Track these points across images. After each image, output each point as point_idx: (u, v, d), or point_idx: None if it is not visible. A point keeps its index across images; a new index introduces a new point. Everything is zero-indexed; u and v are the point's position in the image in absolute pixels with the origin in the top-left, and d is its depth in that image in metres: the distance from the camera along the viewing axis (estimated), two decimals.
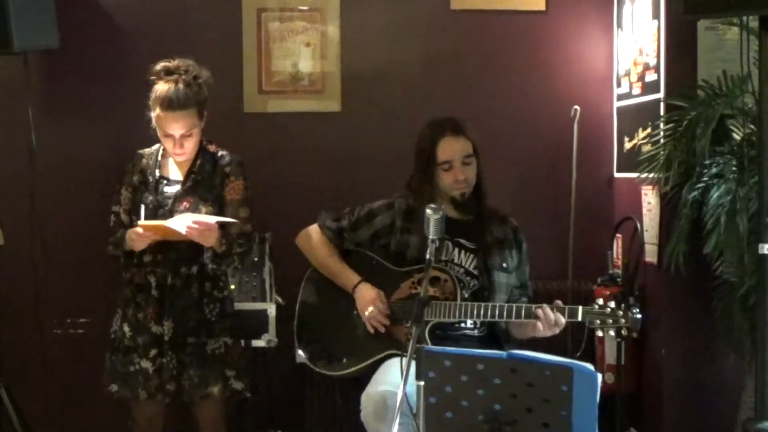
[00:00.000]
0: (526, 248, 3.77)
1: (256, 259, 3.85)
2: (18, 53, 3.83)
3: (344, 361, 3.65)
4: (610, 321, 3.32)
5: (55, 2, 3.98)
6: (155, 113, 3.51)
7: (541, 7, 4.48)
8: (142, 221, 3.47)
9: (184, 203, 3.54)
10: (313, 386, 4.17)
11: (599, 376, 2.76)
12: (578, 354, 3.98)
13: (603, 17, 4.50)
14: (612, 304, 3.36)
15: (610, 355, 4.09)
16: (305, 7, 4.43)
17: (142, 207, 3.52)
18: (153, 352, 3.52)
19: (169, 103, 3.47)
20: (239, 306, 3.73)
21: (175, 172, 3.63)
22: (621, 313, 3.31)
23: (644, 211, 4.11)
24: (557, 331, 3.41)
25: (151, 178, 3.60)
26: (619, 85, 4.45)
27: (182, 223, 3.40)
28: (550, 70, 4.50)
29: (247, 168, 3.66)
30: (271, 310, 3.84)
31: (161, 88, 3.51)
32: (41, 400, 4.06)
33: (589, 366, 2.71)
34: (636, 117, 4.22)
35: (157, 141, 3.63)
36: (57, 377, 4.16)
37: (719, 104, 3.66)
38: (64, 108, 4.34)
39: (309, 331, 3.76)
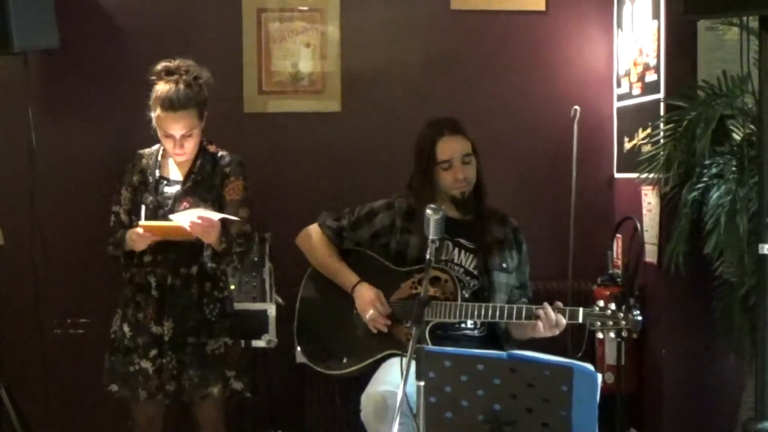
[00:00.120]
0: (526, 248, 3.77)
1: (256, 259, 3.85)
2: (18, 53, 3.82)
3: (344, 360, 3.65)
4: (611, 323, 3.33)
5: (55, 2, 3.98)
6: (155, 113, 3.51)
7: (541, 7, 4.48)
8: (142, 221, 3.47)
9: (184, 203, 3.53)
10: (313, 386, 4.17)
11: (599, 376, 2.77)
12: (579, 355, 3.98)
13: (603, 17, 4.50)
14: (612, 306, 3.36)
15: (610, 356, 4.09)
16: (305, 8, 4.43)
17: (143, 207, 3.52)
18: (153, 352, 3.52)
19: (170, 104, 3.47)
20: (239, 306, 3.73)
21: (175, 172, 3.63)
22: (621, 315, 3.31)
23: (644, 211, 4.11)
24: (557, 332, 3.41)
25: (151, 179, 3.60)
26: (619, 85, 4.45)
27: (186, 218, 3.40)
28: (550, 70, 4.50)
29: (247, 168, 3.66)
30: (271, 310, 3.84)
31: (162, 88, 3.51)
32: (41, 400, 4.06)
33: (589, 366, 2.71)
34: (636, 117, 4.22)
35: (157, 141, 3.62)
36: (57, 377, 4.16)
37: (719, 104, 3.66)
38: (64, 108, 4.34)
39: (309, 330, 3.76)
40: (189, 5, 4.39)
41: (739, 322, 3.60)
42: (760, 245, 3.09)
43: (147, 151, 3.68)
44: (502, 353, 2.79)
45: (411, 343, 2.80)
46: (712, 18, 3.71)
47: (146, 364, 3.52)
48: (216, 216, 3.43)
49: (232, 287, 3.72)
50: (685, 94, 3.82)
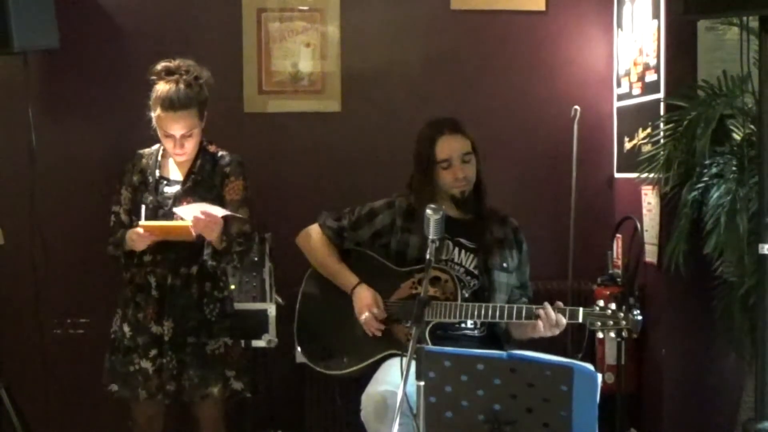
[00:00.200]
0: (527, 248, 3.77)
1: (256, 259, 3.85)
2: (18, 53, 3.82)
3: (344, 360, 3.65)
4: (611, 323, 3.33)
5: (55, 2, 3.98)
6: (156, 113, 3.51)
7: (541, 7, 4.48)
8: (142, 222, 3.47)
9: (184, 203, 3.53)
10: (313, 386, 4.17)
11: (599, 376, 2.77)
12: (579, 355, 3.98)
13: (603, 17, 4.50)
14: (613, 305, 3.36)
15: (610, 356, 4.09)
16: (305, 7, 4.43)
17: (143, 207, 3.51)
18: (153, 352, 3.52)
19: (170, 104, 3.47)
20: (239, 306, 3.73)
21: (175, 172, 3.63)
22: (622, 315, 3.31)
23: (644, 211, 4.11)
24: (557, 331, 3.41)
25: (151, 179, 3.60)
26: (619, 85, 4.45)
27: (190, 212, 3.40)
28: (550, 70, 4.50)
29: (247, 168, 3.66)
30: (271, 310, 3.84)
31: (162, 88, 3.51)
32: (41, 400, 4.06)
33: (589, 366, 2.71)
34: (636, 117, 4.22)
35: (157, 141, 3.63)
36: (57, 377, 4.16)
37: (719, 104, 3.66)
38: (64, 108, 4.34)
39: (309, 331, 3.76)
40: (189, 5, 4.38)
41: (739, 322, 3.60)
42: (760, 245, 3.09)
43: (147, 151, 3.68)
44: (502, 353, 2.79)
45: (411, 343, 2.80)
46: (712, 18, 3.71)
47: (146, 364, 3.52)
48: (220, 213, 3.43)
49: (232, 287, 3.72)
50: (685, 94, 3.82)
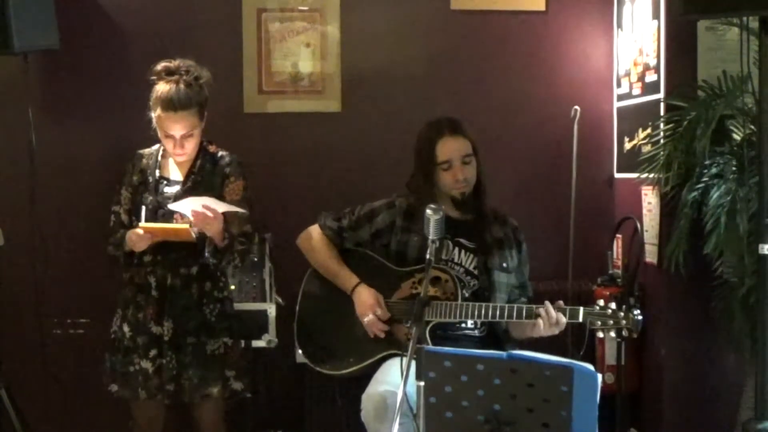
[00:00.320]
0: (526, 249, 3.76)
1: (256, 259, 3.85)
2: (18, 53, 3.82)
3: (344, 360, 3.64)
4: (611, 322, 3.32)
5: (55, 2, 3.98)
6: (156, 114, 3.51)
7: (541, 7, 4.48)
8: (142, 223, 3.47)
9: None
10: (313, 386, 4.17)
11: (599, 376, 2.77)
12: (579, 355, 3.98)
13: (603, 17, 4.50)
14: (613, 305, 3.36)
15: (610, 356, 4.10)
16: (305, 8, 4.43)
17: (143, 208, 3.51)
18: (153, 352, 3.52)
19: (170, 104, 3.47)
20: (239, 306, 3.73)
21: (175, 172, 3.63)
22: (622, 314, 3.31)
23: (644, 211, 4.11)
24: (557, 331, 3.41)
25: (150, 179, 3.60)
26: (619, 85, 4.45)
27: (188, 205, 3.40)
28: (550, 70, 4.50)
29: (247, 168, 3.66)
30: (271, 310, 3.84)
31: (162, 88, 3.50)
32: (41, 400, 4.06)
33: (589, 366, 2.71)
34: (636, 117, 4.22)
35: (157, 141, 3.62)
36: (57, 377, 4.16)
37: (719, 104, 3.66)
38: (64, 108, 4.34)
39: (309, 331, 3.76)
40: (189, 5, 4.38)
41: (739, 322, 3.60)
42: (760, 245, 3.09)
43: (147, 151, 3.68)
44: (502, 353, 2.79)
45: (411, 343, 2.81)
46: (712, 18, 3.71)
47: (146, 364, 3.52)
48: (221, 207, 3.43)
49: (232, 287, 3.73)
50: (685, 94, 3.83)
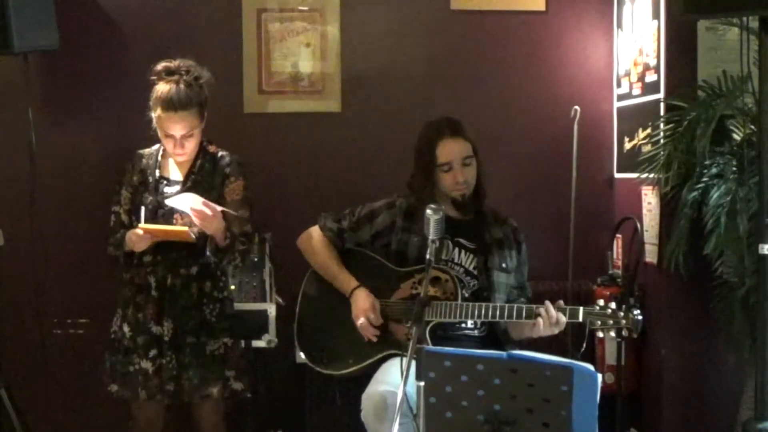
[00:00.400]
0: (526, 249, 3.76)
1: (256, 259, 3.85)
2: (18, 53, 3.82)
3: (344, 360, 3.64)
4: (611, 322, 3.33)
5: (55, 2, 3.98)
6: (156, 114, 3.51)
7: (541, 7, 4.48)
8: (142, 224, 3.47)
9: None
10: (313, 386, 4.17)
11: (599, 376, 2.77)
12: (579, 355, 3.98)
13: (603, 17, 4.50)
14: (613, 305, 3.36)
15: (610, 355, 4.10)
16: (305, 8, 4.43)
17: (142, 209, 3.51)
18: (153, 352, 3.52)
19: (171, 104, 3.47)
20: (239, 306, 3.73)
21: (175, 172, 3.63)
22: (622, 314, 3.31)
23: (644, 211, 4.11)
24: (557, 330, 3.41)
25: (150, 179, 3.60)
26: (619, 85, 4.45)
27: (186, 202, 3.40)
28: (550, 70, 4.50)
29: (247, 168, 3.66)
30: (271, 310, 3.84)
31: (162, 88, 3.50)
32: (41, 400, 4.06)
33: (589, 366, 2.71)
34: (636, 117, 4.22)
35: (157, 141, 3.62)
36: (57, 377, 4.16)
37: (719, 104, 3.66)
38: (64, 108, 4.34)
39: (309, 331, 3.76)
40: (189, 5, 4.38)
41: (739, 322, 3.60)
42: (760, 245, 3.09)
43: (147, 151, 3.68)
44: (502, 353, 2.79)
45: (411, 343, 2.81)
46: (712, 18, 3.71)
47: (146, 364, 3.52)
48: (219, 208, 3.43)
49: (232, 287, 3.72)
50: (685, 94, 3.83)
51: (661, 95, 3.96)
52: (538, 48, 4.50)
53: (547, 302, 3.38)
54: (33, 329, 4.09)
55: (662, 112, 3.93)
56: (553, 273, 4.34)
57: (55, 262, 4.13)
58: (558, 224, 4.39)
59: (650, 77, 4.07)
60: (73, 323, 4.28)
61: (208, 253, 3.52)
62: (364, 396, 3.37)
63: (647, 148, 4.02)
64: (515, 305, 3.44)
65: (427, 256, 3.07)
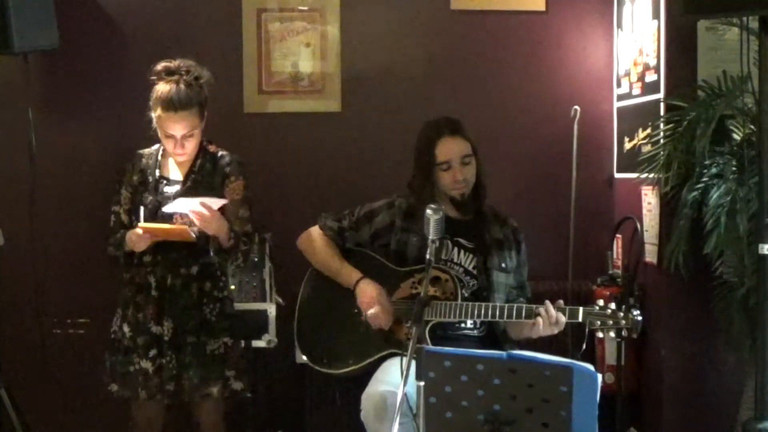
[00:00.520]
0: (526, 249, 3.76)
1: (256, 259, 3.85)
2: (18, 53, 3.82)
3: (344, 360, 3.64)
4: (611, 322, 3.33)
5: (55, 2, 3.98)
6: (156, 114, 3.51)
7: (541, 7, 4.48)
8: (142, 223, 3.47)
9: None
10: (313, 386, 4.17)
11: (599, 376, 2.77)
12: (579, 355, 3.98)
13: (603, 17, 4.50)
14: (612, 305, 3.36)
15: (610, 356, 4.10)
16: (305, 8, 4.43)
17: (142, 209, 3.51)
18: (153, 352, 3.52)
19: (171, 104, 3.47)
20: (239, 306, 3.73)
21: (175, 172, 3.63)
22: (621, 314, 3.31)
23: (644, 211, 4.11)
24: (556, 331, 3.41)
25: (150, 178, 3.60)
26: (619, 85, 4.45)
27: (186, 205, 3.40)
28: (550, 70, 4.50)
29: (247, 168, 3.66)
30: (271, 310, 3.84)
31: (162, 88, 3.50)
32: (41, 400, 4.06)
33: (589, 366, 2.71)
34: (636, 117, 4.22)
35: (157, 141, 3.62)
36: (57, 377, 4.17)
37: (719, 104, 3.66)
38: (64, 108, 4.34)
39: (309, 330, 3.76)
40: (189, 5, 4.39)
41: (739, 322, 3.60)
42: (760, 245, 3.09)
43: (147, 151, 3.68)
44: (502, 353, 2.79)
45: (411, 343, 2.81)
46: (712, 18, 3.71)
47: (146, 364, 3.52)
48: (215, 204, 3.42)
49: (232, 287, 3.73)
50: (685, 94, 3.82)
51: (661, 95, 3.96)
52: (538, 48, 4.50)
53: (547, 302, 3.38)
54: (33, 329, 4.09)
55: (662, 112, 3.93)
56: (553, 273, 4.35)
57: (55, 262, 4.14)
58: (558, 224, 4.39)
59: (650, 77, 4.07)
60: (73, 323, 4.28)
61: (212, 253, 3.52)
62: (364, 396, 3.37)
63: (647, 148, 4.02)
64: (515, 305, 3.44)
65: (427, 256, 3.07)
